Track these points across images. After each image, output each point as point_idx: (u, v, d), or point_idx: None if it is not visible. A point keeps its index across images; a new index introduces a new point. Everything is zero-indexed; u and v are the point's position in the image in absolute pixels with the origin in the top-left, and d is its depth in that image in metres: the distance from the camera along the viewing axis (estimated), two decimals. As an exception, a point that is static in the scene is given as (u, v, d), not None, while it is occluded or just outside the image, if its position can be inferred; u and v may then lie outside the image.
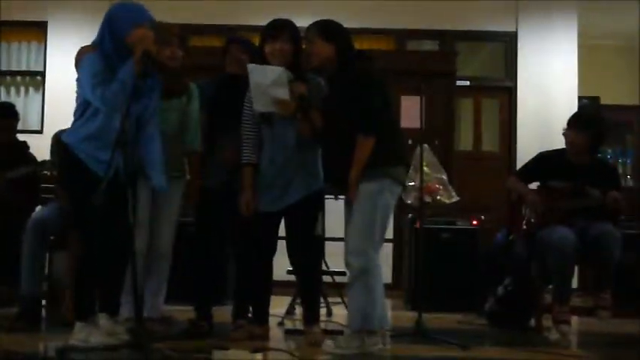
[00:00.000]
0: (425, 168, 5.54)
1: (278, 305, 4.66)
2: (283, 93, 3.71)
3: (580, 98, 8.17)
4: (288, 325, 4.69)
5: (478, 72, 8.47)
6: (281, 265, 4.28)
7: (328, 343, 3.73)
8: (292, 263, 4.08)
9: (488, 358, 3.77)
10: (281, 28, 3.89)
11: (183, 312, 4.31)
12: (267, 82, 3.70)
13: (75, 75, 3.68)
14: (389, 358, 3.63)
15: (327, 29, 3.80)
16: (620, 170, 8.33)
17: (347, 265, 3.69)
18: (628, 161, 8.48)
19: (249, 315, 4.13)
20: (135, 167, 3.50)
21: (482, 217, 6.08)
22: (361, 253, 3.62)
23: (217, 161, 4.11)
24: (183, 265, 4.25)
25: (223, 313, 4.39)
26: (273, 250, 4.05)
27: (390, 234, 6.93)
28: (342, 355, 3.57)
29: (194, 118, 4.07)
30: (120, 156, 3.33)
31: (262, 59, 3.86)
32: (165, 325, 4.02)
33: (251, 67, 3.77)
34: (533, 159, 4.94)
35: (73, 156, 3.54)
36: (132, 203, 3.27)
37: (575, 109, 7.55)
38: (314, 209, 3.98)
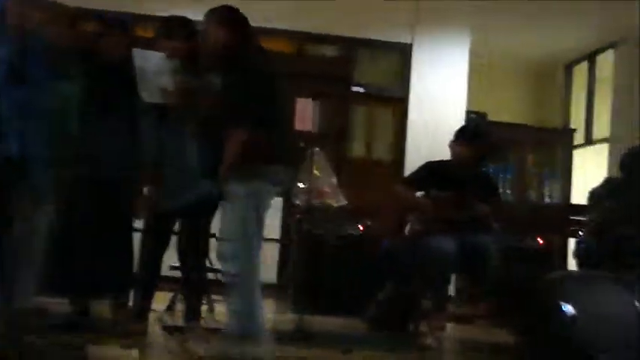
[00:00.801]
0: (315, 171, 5.58)
1: (158, 301, 4.56)
2: (165, 81, 3.59)
3: (468, 113, 8.45)
4: (168, 321, 4.61)
5: (374, 80, 8.61)
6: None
7: (204, 345, 3.68)
8: (181, 260, 4.02)
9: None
10: (172, 24, 3.81)
11: (59, 304, 4.16)
12: (152, 68, 3.59)
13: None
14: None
15: (222, 15, 3.61)
16: (502, 185, 8.65)
17: (222, 269, 3.58)
18: (509, 176, 8.83)
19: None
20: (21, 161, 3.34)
21: (369, 223, 6.18)
22: (235, 257, 3.48)
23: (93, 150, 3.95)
24: (58, 256, 4.08)
25: (101, 306, 4.26)
26: (164, 247, 3.98)
27: (276, 234, 6.96)
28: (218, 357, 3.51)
29: (74, 99, 3.85)
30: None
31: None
32: (39, 317, 3.87)
33: (136, 51, 3.65)
34: (419, 168, 5.06)
35: None
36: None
37: (462, 122, 7.81)
38: (209, 209, 3.93)
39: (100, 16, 4.11)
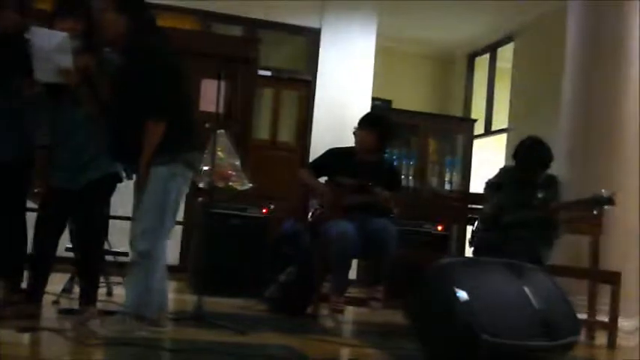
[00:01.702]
0: (219, 153, 5.55)
1: (54, 283, 4.45)
2: (67, 61, 3.52)
3: (373, 99, 8.58)
4: (64, 304, 4.51)
5: (281, 64, 8.61)
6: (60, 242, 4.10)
7: (95, 323, 3.64)
8: (73, 241, 3.95)
9: (264, 343, 3.85)
10: (69, 5, 3.71)
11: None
12: (51, 47, 3.49)
13: None
14: (162, 342, 3.59)
15: None
16: (404, 172, 8.84)
17: (131, 247, 3.63)
18: (411, 163, 9.02)
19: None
20: None
21: (272, 206, 6.21)
22: (148, 237, 3.57)
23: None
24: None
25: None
26: (62, 228, 3.89)
27: (180, 216, 6.88)
28: (107, 336, 3.48)
29: None
30: None
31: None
32: None
33: (34, 29, 3.54)
34: (324, 154, 5.11)
35: None
36: None
37: (368, 109, 7.92)
38: (106, 190, 3.88)
39: None
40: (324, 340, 4.04)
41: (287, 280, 5.10)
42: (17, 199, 3.90)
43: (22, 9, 3.81)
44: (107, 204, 4.24)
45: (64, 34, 3.54)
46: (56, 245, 3.93)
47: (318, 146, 7.08)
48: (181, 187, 3.69)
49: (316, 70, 8.44)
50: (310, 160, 5.82)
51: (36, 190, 3.93)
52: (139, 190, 3.68)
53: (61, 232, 3.95)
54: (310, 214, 4.96)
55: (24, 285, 3.94)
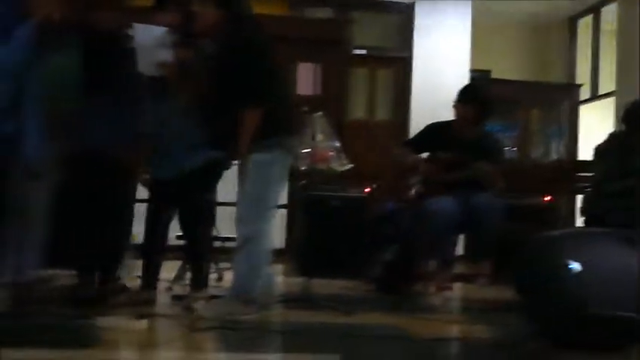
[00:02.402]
0: (318, 135, 5.57)
1: (167, 270, 4.60)
2: (165, 55, 3.64)
3: (471, 71, 8.39)
4: (177, 290, 4.65)
5: (374, 42, 8.55)
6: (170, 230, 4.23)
7: (199, 307, 3.74)
8: (182, 228, 4.05)
9: (371, 323, 3.86)
10: None
11: (66, 277, 4.19)
12: (150, 42, 3.62)
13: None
14: (271, 325, 3.66)
15: None
16: (506, 143, 8.63)
17: (237, 232, 3.71)
18: (514, 134, 8.80)
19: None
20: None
21: (374, 185, 6.19)
22: (250, 223, 3.64)
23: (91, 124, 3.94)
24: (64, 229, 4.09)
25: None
26: (170, 216, 4.01)
27: (284, 200, 6.97)
28: (214, 320, 3.54)
29: (72, 73, 3.80)
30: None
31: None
32: (45, 290, 3.91)
33: (136, 26, 3.68)
34: (422, 130, 5.05)
35: None
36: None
37: (466, 81, 7.76)
38: (210, 178, 3.96)
39: None
40: (430, 318, 4.00)
41: (391, 260, 5.08)
42: (119, 189, 4.03)
43: (123, 7, 3.95)
44: (213, 191, 4.33)
45: (162, 29, 3.66)
46: (166, 233, 4.05)
47: (418, 122, 7.00)
48: (281, 173, 3.75)
49: (411, 46, 8.33)
50: (410, 137, 5.77)
51: (147, 177, 4.06)
52: (241, 176, 3.75)
53: (169, 221, 4.07)
54: (411, 191, 4.92)
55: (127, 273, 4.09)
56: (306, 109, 5.50)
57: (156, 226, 4.01)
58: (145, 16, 3.87)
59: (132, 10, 4.03)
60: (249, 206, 3.67)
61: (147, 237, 4.01)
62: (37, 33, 3.24)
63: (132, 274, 4.33)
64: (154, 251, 4.07)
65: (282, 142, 3.72)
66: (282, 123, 3.71)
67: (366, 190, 6.14)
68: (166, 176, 3.93)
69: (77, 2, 3.75)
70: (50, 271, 4.11)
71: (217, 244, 5.25)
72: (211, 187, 4.08)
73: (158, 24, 3.76)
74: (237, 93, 3.59)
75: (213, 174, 4.01)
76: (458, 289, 5.34)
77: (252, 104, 3.59)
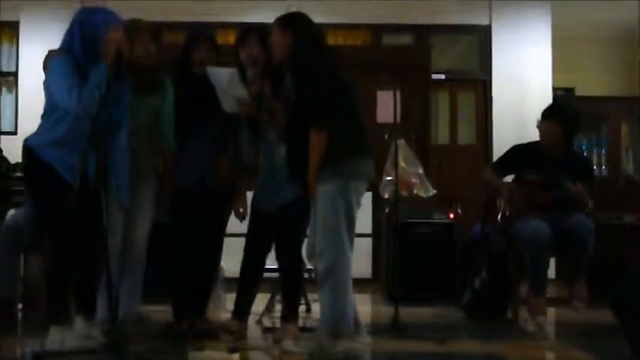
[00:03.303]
0: (401, 162, 5.56)
1: (256, 302, 4.64)
2: (242, 93, 3.72)
3: (555, 90, 8.22)
4: (267, 322, 4.68)
5: (453, 65, 8.49)
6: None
7: (288, 343, 3.72)
8: (279, 260, 4.06)
9: (465, 351, 3.79)
10: (247, 33, 3.90)
11: (161, 312, 4.28)
12: (224, 83, 3.73)
13: (45, 75, 3.65)
14: (361, 356, 3.63)
15: (284, 18, 3.73)
16: (595, 161, 8.39)
17: (314, 267, 3.67)
18: (603, 151, 8.54)
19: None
20: (105, 170, 3.49)
21: (459, 210, 6.11)
22: (328, 255, 3.54)
23: (189, 160, 4.07)
24: (160, 265, 4.18)
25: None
26: (266, 250, 4.05)
27: (368, 228, 6.97)
28: (308, 354, 3.54)
29: (168, 116, 3.97)
30: (90, 160, 3.32)
31: (237, 64, 3.88)
32: (142, 327, 4.00)
33: (209, 70, 3.80)
34: (507, 151, 4.96)
35: (38, 159, 3.51)
36: (104, 205, 3.25)
37: (549, 100, 7.60)
38: (305, 210, 3.96)
39: (196, 32, 4.17)
40: (526, 344, 3.90)
41: (482, 285, 4.98)
42: (217, 224, 4.10)
43: (214, 48, 4.07)
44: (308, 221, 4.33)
45: (232, 70, 3.76)
46: (263, 265, 4.08)
47: (501, 144, 6.91)
48: (350, 200, 3.60)
49: (491, 68, 8.23)
50: (494, 159, 5.68)
51: (241, 210, 4.12)
52: (313, 207, 3.71)
53: (266, 252, 4.09)
54: (499, 215, 4.83)
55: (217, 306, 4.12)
56: (387, 136, 5.51)
57: (252, 256, 4.04)
58: (231, 52, 3.98)
59: (220, 49, 4.12)
60: (322, 240, 3.56)
61: (244, 269, 4.05)
62: (110, 73, 3.34)
63: (221, 307, 4.38)
64: (250, 283, 4.10)
65: (352, 169, 3.60)
66: (345, 149, 3.58)
67: (451, 215, 6.06)
68: (263, 208, 3.95)
69: (161, 46, 3.89)
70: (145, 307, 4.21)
71: (304, 275, 5.27)
72: (306, 219, 4.05)
73: (244, 57, 3.86)
74: (305, 120, 3.57)
75: (307, 207, 3.98)
76: (553, 313, 5.18)
77: (315, 127, 3.51)
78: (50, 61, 3.63)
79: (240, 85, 3.74)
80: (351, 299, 3.62)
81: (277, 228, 3.97)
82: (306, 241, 3.81)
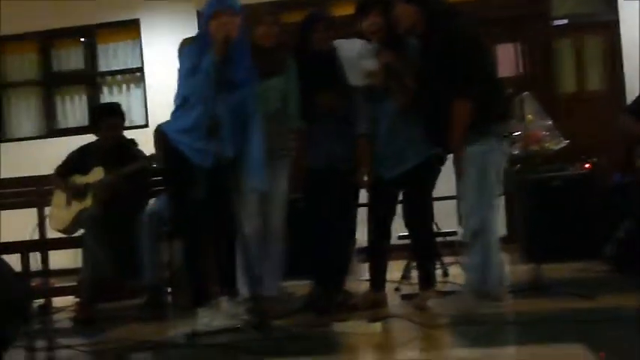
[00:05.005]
0: (528, 116, 5.37)
1: (394, 270, 4.64)
2: (371, 64, 3.73)
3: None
4: (405, 290, 4.68)
5: (575, 9, 8.08)
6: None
7: (440, 303, 3.72)
8: (408, 227, 4.06)
9: (613, 306, 3.61)
10: (369, 3, 3.88)
11: (302, 287, 4.34)
12: (354, 55, 3.74)
13: (171, 65, 3.78)
14: (508, 317, 3.56)
15: None
16: None
17: (464, 226, 3.71)
18: None
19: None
20: (236, 154, 3.57)
21: (595, 159, 5.85)
22: (476, 216, 3.62)
23: (321, 142, 4.08)
24: (299, 241, 4.14)
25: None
26: (391, 217, 4.06)
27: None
28: (456, 315, 3.54)
29: (294, 94, 4.00)
30: (218, 144, 3.40)
31: (356, 35, 3.88)
32: (285, 303, 4.09)
33: (338, 42, 3.81)
34: (643, 94, 4.70)
35: (172, 146, 3.64)
36: (235, 189, 3.33)
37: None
38: (429, 175, 3.96)
39: (313, 14, 4.17)
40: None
41: (627, 236, 4.76)
42: (347, 198, 4.12)
43: (331, 26, 4.06)
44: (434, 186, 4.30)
45: (362, 41, 3.74)
46: (389, 232, 4.09)
47: (634, 87, 6.54)
48: (498, 161, 3.69)
49: (617, 7, 7.78)
50: (628, 103, 5.39)
51: (365, 179, 4.13)
52: (457, 170, 3.71)
53: (392, 218, 4.09)
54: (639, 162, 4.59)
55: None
56: (511, 90, 5.34)
57: (381, 227, 4.06)
58: (351, 23, 3.97)
59: (336, 25, 4.11)
60: (473, 199, 3.63)
61: (372, 239, 4.07)
62: (219, 58, 3.38)
63: (358, 278, 4.42)
64: (380, 253, 4.12)
65: (497, 130, 3.66)
66: (494, 110, 3.65)
67: (586, 165, 5.81)
68: (390, 176, 3.95)
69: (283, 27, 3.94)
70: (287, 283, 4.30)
71: (439, 239, 5.22)
72: (433, 182, 4.05)
73: (364, 27, 3.86)
74: (447, 85, 3.56)
75: (434, 170, 4.00)
76: None
77: (461, 96, 3.54)
78: (180, 50, 3.77)
79: (370, 55, 3.73)
80: (498, 259, 3.61)
81: (405, 193, 3.97)
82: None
